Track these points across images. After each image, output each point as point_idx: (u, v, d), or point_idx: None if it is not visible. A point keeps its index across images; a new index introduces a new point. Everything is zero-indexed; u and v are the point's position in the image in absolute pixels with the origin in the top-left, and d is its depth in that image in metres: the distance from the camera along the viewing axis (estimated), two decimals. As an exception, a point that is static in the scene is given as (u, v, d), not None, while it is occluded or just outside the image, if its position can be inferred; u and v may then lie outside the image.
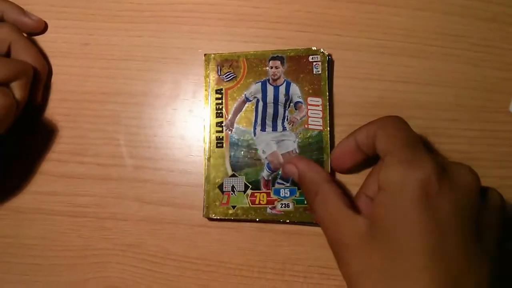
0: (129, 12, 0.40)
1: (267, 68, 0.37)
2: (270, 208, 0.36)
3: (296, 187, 0.36)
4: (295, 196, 0.36)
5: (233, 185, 0.36)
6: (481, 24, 0.39)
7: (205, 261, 0.37)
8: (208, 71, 0.38)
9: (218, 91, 0.37)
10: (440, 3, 0.39)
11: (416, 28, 0.39)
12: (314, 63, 0.37)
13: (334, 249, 0.28)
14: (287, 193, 0.36)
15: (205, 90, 0.38)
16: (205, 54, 0.38)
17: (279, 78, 0.37)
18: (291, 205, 0.36)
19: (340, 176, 0.37)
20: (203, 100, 0.38)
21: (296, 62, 0.37)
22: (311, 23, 0.39)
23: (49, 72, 0.39)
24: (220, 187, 0.36)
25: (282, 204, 0.36)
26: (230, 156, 0.36)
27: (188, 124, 0.39)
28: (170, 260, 0.37)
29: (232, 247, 0.37)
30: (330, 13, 0.39)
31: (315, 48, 0.37)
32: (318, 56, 0.37)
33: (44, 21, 0.39)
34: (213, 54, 0.38)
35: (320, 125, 0.36)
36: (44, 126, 0.39)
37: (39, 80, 0.37)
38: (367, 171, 0.37)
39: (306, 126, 0.36)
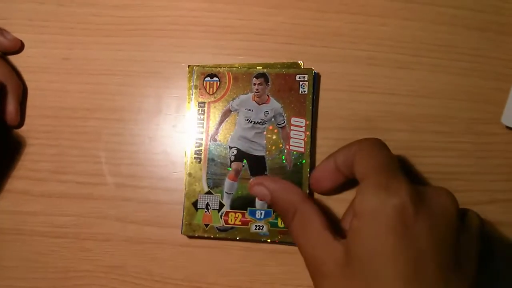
0: (109, 26, 0.39)
1: (254, 85, 0.36)
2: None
3: (272, 209, 0.35)
4: (270, 219, 0.35)
5: (207, 202, 0.35)
6: (471, 34, 0.38)
7: (191, 282, 0.36)
8: (192, 83, 0.37)
9: (200, 104, 0.36)
10: (429, 12, 0.38)
11: (404, 39, 0.38)
12: (301, 83, 0.35)
13: (311, 275, 0.27)
14: (262, 214, 0.35)
15: (188, 102, 0.37)
16: (188, 66, 0.37)
17: (263, 95, 0.36)
18: (265, 228, 0.35)
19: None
20: (186, 114, 0.37)
21: (282, 81, 0.36)
22: (297, 35, 0.38)
23: (24, 90, 0.38)
24: (195, 204, 0.35)
25: (256, 226, 0.35)
26: (207, 173, 0.35)
27: (172, 140, 0.38)
28: (154, 282, 0.36)
29: (218, 268, 0.36)
30: (316, 24, 0.38)
31: (301, 62, 0.37)
32: (306, 76, 0.36)
33: (20, 41, 0.38)
34: (197, 66, 0.37)
35: (302, 147, 0.35)
36: (22, 144, 0.38)
37: (14, 98, 0.36)
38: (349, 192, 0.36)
39: (287, 147, 0.35)
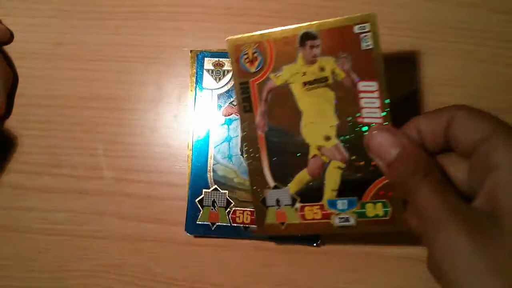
0: (106, 8, 0.37)
1: (302, 49, 0.28)
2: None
3: (356, 198, 0.28)
4: (356, 209, 0.29)
5: (277, 198, 0.30)
6: (497, 17, 0.35)
7: (195, 283, 0.34)
8: (195, 69, 0.34)
9: (243, 84, 0.29)
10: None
11: (426, 22, 0.35)
12: (362, 35, 0.27)
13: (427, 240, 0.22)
14: (345, 205, 0.29)
15: (191, 90, 0.34)
16: (191, 51, 0.35)
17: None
18: (352, 220, 0.29)
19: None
20: (189, 103, 0.35)
21: (336, 37, 0.28)
22: (307, 17, 0.35)
23: (15, 78, 0.36)
24: (263, 201, 0.29)
25: (340, 218, 0.29)
26: (270, 164, 0.29)
27: (174, 131, 0.35)
28: (156, 282, 0.34)
29: (224, 268, 0.34)
30: (325, 5, 0.35)
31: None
32: (366, 25, 0.27)
33: (10, 32, 0.36)
34: (231, 38, 0.29)
35: (379, 117, 0.27)
36: (14, 136, 0.36)
37: (3, 88, 0.34)
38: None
39: (360, 119, 0.28)
